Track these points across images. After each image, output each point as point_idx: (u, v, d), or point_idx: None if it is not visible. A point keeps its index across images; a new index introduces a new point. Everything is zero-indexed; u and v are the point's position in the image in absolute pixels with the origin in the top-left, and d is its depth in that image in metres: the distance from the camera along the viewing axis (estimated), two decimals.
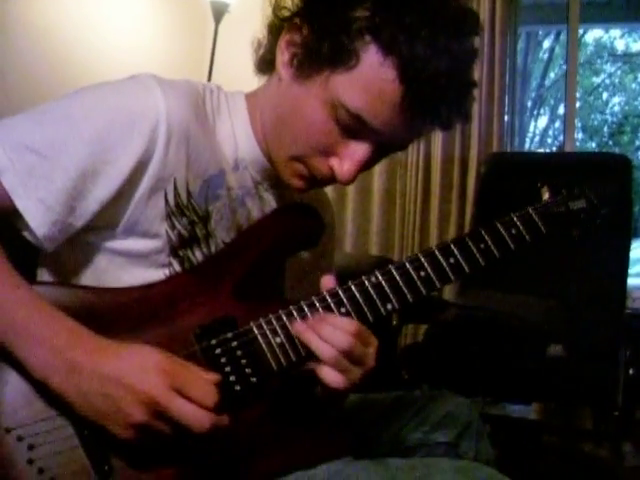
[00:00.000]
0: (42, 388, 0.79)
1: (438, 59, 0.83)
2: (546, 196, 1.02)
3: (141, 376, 0.76)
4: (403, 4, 0.84)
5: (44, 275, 0.95)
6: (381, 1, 0.84)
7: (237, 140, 0.97)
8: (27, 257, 0.92)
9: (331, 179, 0.93)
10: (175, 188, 0.90)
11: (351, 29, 0.84)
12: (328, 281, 0.90)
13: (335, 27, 0.85)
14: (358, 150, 0.89)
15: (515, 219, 0.96)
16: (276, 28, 0.95)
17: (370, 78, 0.84)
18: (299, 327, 0.87)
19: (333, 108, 0.87)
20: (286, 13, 0.93)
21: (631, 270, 2.47)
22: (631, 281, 2.47)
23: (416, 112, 0.86)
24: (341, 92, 0.86)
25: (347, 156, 0.89)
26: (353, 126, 0.87)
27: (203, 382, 0.79)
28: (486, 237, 0.94)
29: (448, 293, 2.72)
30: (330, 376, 0.85)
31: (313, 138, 0.89)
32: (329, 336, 0.84)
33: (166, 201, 0.90)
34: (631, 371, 2.05)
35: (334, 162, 0.90)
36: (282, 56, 0.92)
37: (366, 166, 0.92)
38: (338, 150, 0.90)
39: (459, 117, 0.89)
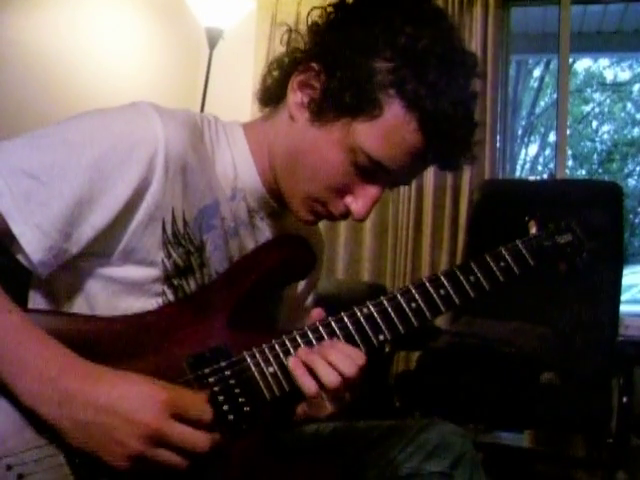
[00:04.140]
0: (32, 416, 0.78)
1: (456, 110, 0.87)
2: (533, 230, 1.03)
3: (137, 406, 0.76)
4: (422, 54, 0.86)
5: (36, 298, 0.94)
6: (400, 52, 0.86)
7: (237, 170, 0.98)
8: (19, 279, 0.91)
9: (346, 216, 0.96)
10: (173, 217, 0.90)
11: (374, 80, 0.87)
12: (317, 314, 0.91)
13: (358, 77, 0.87)
14: (373, 189, 0.93)
15: (504, 252, 0.98)
16: (285, 65, 0.96)
17: (393, 128, 0.87)
18: (299, 354, 0.88)
19: (352, 153, 0.90)
20: (298, 53, 0.95)
21: (623, 297, 2.47)
22: (623, 308, 2.47)
23: (434, 159, 0.92)
24: (363, 139, 0.88)
25: (362, 195, 0.93)
26: (371, 170, 0.91)
27: (197, 402, 0.80)
28: (476, 270, 0.95)
29: (441, 320, 2.71)
30: (308, 383, 0.86)
31: (330, 179, 0.92)
32: (338, 362, 0.85)
33: (163, 230, 0.90)
34: (624, 398, 2.04)
35: (349, 200, 0.94)
36: (295, 96, 0.93)
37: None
38: (353, 189, 0.93)
39: (469, 159, 0.94)
